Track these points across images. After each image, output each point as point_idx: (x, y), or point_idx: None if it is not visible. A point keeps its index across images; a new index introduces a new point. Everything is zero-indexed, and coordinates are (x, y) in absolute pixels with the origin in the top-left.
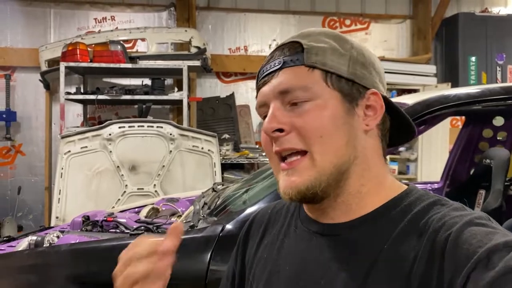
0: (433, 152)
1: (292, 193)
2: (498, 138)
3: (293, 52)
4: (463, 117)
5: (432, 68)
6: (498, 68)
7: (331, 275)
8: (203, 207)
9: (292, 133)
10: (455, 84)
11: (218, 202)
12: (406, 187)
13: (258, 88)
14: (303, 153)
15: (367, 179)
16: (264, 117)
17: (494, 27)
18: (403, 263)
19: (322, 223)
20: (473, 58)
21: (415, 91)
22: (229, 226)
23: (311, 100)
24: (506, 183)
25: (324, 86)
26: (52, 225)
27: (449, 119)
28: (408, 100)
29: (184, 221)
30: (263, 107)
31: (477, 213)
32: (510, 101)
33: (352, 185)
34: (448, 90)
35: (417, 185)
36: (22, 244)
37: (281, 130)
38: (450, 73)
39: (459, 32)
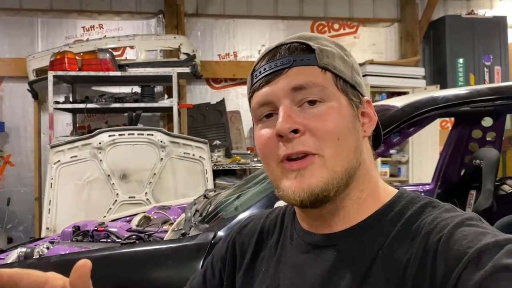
0: (424, 154)
1: (304, 196)
2: (487, 138)
3: (302, 52)
4: (453, 119)
5: (420, 71)
6: (485, 69)
7: (331, 286)
8: (194, 214)
9: (306, 135)
10: (443, 86)
11: (209, 209)
12: (397, 190)
13: (257, 88)
14: (312, 154)
15: (367, 184)
16: (259, 119)
17: (481, 29)
18: (397, 267)
19: (318, 234)
20: (461, 60)
21: (404, 93)
22: (221, 233)
23: (326, 101)
24: (496, 183)
25: (336, 89)
26: (42, 236)
27: (438, 120)
28: (397, 102)
29: (176, 229)
30: (264, 107)
31: (468, 214)
32: (498, 101)
33: (354, 190)
34: (436, 92)
35: (409, 187)
36: (12, 256)
37: (296, 131)
38: (439, 75)
39: (446, 35)
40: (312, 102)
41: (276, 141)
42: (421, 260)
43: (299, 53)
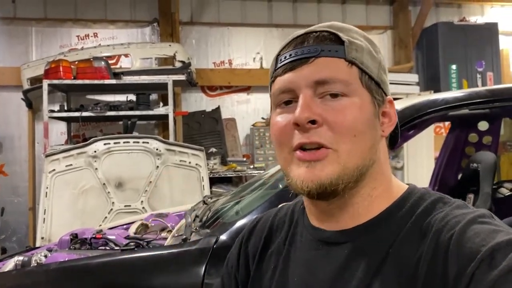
0: (419, 160)
1: (312, 186)
2: (483, 142)
3: (331, 42)
4: (448, 125)
5: (414, 77)
6: (478, 75)
7: (342, 284)
8: (194, 220)
9: (324, 127)
10: (437, 92)
11: (209, 215)
12: (407, 186)
13: (279, 73)
14: (326, 148)
15: (379, 182)
16: (278, 105)
17: (473, 35)
18: (408, 264)
19: (328, 230)
20: (454, 66)
21: (398, 100)
22: (223, 237)
23: (348, 96)
24: (493, 186)
25: (360, 85)
26: (37, 245)
27: (432, 127)
28: (397, 105)
29: (176, 235)
30: (285, 93)
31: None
32: (496, 103)
33: (365, 188)
34: (436, 95)
35: None
36: (9, 265)
37: (313, 122)
38: (432, 81)
39: (439, 41)
40: (334, 95)
41: (292, 129)
42: (432, 258)
43: (327, 43)
